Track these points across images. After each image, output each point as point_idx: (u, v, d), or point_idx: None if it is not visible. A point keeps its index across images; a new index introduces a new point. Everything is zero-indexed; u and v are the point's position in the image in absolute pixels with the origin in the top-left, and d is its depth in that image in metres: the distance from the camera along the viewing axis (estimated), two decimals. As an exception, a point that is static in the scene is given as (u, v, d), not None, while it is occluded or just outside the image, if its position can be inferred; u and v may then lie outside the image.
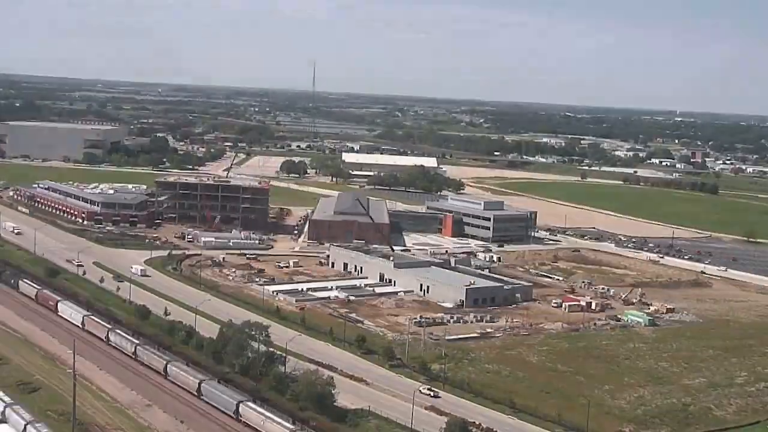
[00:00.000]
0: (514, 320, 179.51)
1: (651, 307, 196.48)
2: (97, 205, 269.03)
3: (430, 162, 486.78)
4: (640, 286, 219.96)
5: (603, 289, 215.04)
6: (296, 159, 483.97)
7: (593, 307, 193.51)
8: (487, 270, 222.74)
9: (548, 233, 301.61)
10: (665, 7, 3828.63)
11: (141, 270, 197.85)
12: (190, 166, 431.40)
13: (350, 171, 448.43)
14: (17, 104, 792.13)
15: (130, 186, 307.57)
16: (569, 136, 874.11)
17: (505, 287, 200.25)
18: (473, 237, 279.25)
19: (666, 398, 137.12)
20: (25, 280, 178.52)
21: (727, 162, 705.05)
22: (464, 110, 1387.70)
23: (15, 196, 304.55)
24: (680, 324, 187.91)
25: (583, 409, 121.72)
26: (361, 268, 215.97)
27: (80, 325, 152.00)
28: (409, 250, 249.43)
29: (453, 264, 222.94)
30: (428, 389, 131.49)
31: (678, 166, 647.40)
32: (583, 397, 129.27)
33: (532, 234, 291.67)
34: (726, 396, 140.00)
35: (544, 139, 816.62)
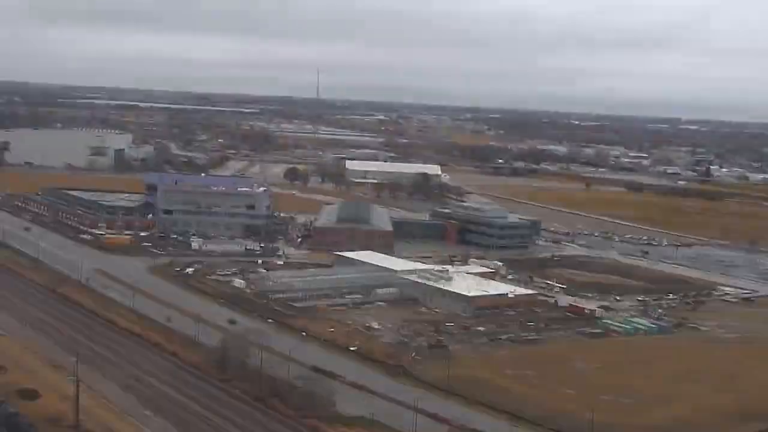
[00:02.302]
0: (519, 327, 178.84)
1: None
2: (100, 212, 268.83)
3: (433, 170, 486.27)
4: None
5: (608, 297, 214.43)
6: (299, 166, 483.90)
7: (597, 314, 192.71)
8: (492, 277, 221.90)
9: (552, 241, 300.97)
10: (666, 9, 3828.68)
11: None
12: (193, 173, 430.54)
13: (353, 178, 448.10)
14: (21, 111, 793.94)
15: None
16: (573, 144, 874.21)
17: (510, 295, 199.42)
18: (477, 245, 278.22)
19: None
20: None
21: (732, 169, 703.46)
22: (468, 118, 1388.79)
23: (18, 204, 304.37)
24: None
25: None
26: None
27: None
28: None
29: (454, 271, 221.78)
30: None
31: (682, 173, 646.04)
32: (586, 405, 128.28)
33: (537, 241, 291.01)
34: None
35: (549, 147, 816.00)
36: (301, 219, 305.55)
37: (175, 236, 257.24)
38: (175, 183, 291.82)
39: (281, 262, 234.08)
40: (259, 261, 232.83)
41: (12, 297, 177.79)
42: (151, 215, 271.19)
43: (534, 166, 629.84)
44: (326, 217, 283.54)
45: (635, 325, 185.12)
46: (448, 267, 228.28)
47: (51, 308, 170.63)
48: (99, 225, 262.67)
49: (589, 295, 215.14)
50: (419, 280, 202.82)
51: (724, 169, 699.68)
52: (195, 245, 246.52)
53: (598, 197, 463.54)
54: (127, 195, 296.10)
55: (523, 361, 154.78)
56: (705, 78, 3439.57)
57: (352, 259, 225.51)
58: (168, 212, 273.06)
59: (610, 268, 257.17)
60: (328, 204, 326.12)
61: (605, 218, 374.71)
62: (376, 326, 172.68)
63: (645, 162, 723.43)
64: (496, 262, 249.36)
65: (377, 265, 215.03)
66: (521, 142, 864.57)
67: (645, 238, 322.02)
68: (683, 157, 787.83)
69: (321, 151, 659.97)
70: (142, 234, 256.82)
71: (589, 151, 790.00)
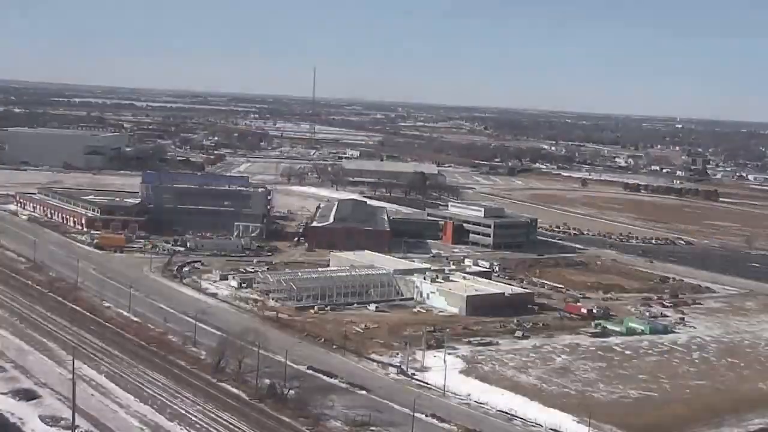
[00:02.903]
0: (517, 328, 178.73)
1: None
2: (96, 211, 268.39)
3: (430, 168, 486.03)
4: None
5: (606, 296, 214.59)
6: (296, 165, 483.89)
7: (594, 314, 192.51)
8: (488, 277, 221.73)
9: (550, 240, 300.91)
10: (666, 10, 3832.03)
11: None
12: (190, 172, 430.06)
13: (350, 177, 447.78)
14: (16, 110, 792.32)
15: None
16: (569, 143, 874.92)
17: (506, 294, 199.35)
18: (474, 244, 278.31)
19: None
20: None
21: (729, 169, 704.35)
22: (464, 117, 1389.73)
23: (15, 204, 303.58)
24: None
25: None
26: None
27: None
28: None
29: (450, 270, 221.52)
30: None
31: (679, 173, 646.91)
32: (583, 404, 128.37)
33: (534, 240, 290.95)
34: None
35: (545, 146, 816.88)
36: (297, 218, 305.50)
37: (171, 235, 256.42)
38: (172, 182, 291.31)
39: (278, 261, 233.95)
40: (255, 260, 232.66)
41: (8, 296, 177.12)
42: (147, 214, 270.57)
43: (530, 165, 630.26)
44: (323, 217, 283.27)
45: (632, 325, 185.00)
46: (445, 266, 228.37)
47: (48, 307, 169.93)
48: (96, 224, 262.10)
49: (587, 294, 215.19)
50: (416, 280, 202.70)
51: (720, 169, 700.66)
52: (191, 244, 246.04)
53: (594, 196, 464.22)
54: (123, 194, 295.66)
55: (519, 361, 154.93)
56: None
57: (349, 258, 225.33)
58: (164, 211, 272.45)
59: (608, 267, 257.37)
60: (324, 203, 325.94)
61: (602, 218, 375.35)
62: (373, 326, 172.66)
63: (641, 161, 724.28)
64: (492, 261, 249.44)
65: (374, 265, 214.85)
66: (517, 141, 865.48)
67: (642, 237, 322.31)
68: (680, 157, 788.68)
69: (318, 149, 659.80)
70: (139, 233, 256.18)
71: (585, 150, 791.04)
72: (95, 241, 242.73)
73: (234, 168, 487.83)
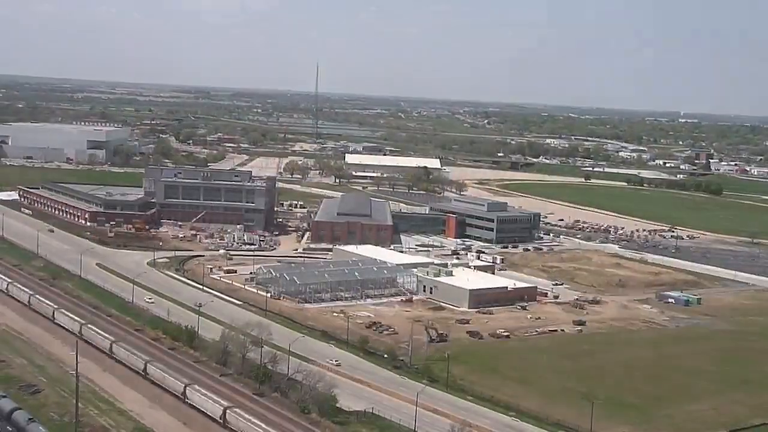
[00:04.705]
0: (520, 321, 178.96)
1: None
2: (100, 206, 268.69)
3: (433, 163, 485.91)
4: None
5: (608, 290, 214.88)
6: (299, 160, 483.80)
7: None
8: (491, 271, 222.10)
9: (552, 234, 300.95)
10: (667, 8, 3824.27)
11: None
12: (194, 167, 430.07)
13: (353, 172, 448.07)
14: (20, 105, 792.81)
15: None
16: (573, 138, 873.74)
17: (510, 288, 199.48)
18: (477, 238, 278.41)
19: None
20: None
21: (732, 163, 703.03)
22: (467, 111, 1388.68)
23: (19, 198, 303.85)
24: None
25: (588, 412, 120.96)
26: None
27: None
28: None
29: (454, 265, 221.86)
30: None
31: (682, 167, 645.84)
32: (588, 400, 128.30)
33: (536, 235, 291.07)
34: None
35: (548, 141, 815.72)
36: (301, 213, 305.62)
37: (175, 230, 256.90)
38: (175, 177, 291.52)
39: (281, 255, 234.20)
40: (259, 254, 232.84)
41: (13, 290, 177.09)
42: (151, 209, 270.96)
43: (533, 160, 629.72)
44: (326, 211, 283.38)
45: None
46: (449, 260, 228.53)
47: (51, 301, 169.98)
48: (99, 219, 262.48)
49: (590, 288, 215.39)
50: (420, 274, 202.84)
51: (724, 163, 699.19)
52: (196, 238, 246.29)
53: (597, 190, 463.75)
54: (127, 189, 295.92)
55: (522, 355, 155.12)
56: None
57: (353, 252, 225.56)
58: (168, 206, 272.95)
59: (608, 262, 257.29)
60: (328, 198, 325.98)
61: (604, 211, 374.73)
62: (377, 320, 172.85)
63: (644, 155, 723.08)
64: (496, 255, 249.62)
65: (377, 259, 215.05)
66: (520, 136, 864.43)
67: (644, 231, 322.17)
68: (683, 151, 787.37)
69: (320, 144, 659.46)
70: (143, 227, 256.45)
71: (588, 144, 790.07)
72: (100, 235, 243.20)
73: (237, 163, 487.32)
